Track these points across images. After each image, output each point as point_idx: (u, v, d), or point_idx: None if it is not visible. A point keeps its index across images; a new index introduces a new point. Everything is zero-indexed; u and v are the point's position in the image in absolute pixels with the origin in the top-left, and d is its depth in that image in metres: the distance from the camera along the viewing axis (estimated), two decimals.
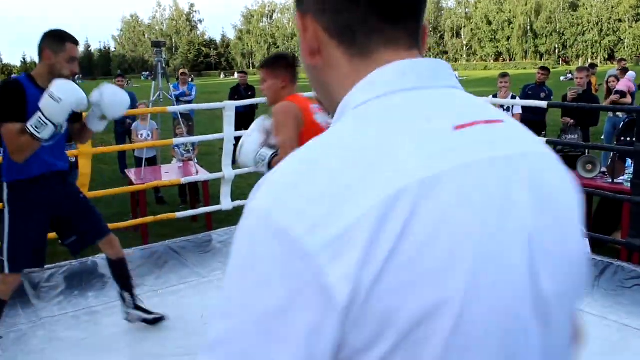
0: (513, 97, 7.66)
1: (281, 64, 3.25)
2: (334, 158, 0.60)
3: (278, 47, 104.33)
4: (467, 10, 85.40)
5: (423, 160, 0.59)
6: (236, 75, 18.85)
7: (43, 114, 2.90)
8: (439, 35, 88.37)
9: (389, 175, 0.57)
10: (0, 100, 3.03)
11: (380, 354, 0.56)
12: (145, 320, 3.75)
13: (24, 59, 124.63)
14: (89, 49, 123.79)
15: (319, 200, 0.57)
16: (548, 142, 5.89)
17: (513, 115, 7.65)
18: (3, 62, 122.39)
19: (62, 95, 2.91)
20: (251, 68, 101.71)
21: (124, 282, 3.77)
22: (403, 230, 0.55)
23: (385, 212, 0.55)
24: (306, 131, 3.02)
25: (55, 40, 3.11)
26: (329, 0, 0.69)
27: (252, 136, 3.27)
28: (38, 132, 2.89)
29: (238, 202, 6.02)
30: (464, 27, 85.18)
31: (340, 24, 0.69)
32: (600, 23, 73.43)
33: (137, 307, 3.76)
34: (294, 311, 0.55)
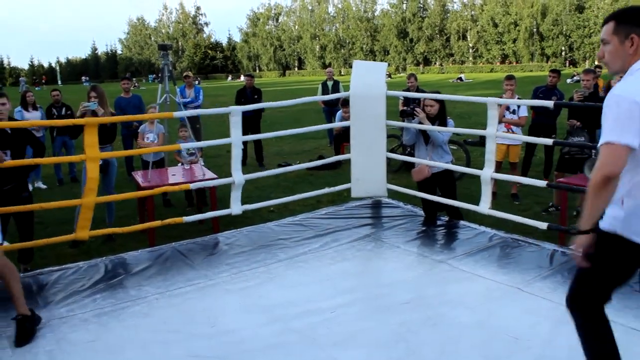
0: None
1: None
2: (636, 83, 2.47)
3: (284, 49, 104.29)
4: (473, 12, 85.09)
5: None
6: (242, 77, 18.81)
7: None
8: (445, 37, 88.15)
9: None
10: None
11: None
12: None
13: (31, 62, 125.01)
14: (96, 52, 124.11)
15: (635, 91, 2.43)
16: (555, 144, 5.87)
17: (519, 117, 7.64)
18: (12, 66, 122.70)
19: None
20: (257, 71, 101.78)
21: None
22: None
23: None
24: None
25: None
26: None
27: None
28: None
29: (246, 206, 6.04)
30: (470, 29, 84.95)
31: None
32: None
33: None
34: (633, 118, 2.40)
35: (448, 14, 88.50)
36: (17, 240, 5.36)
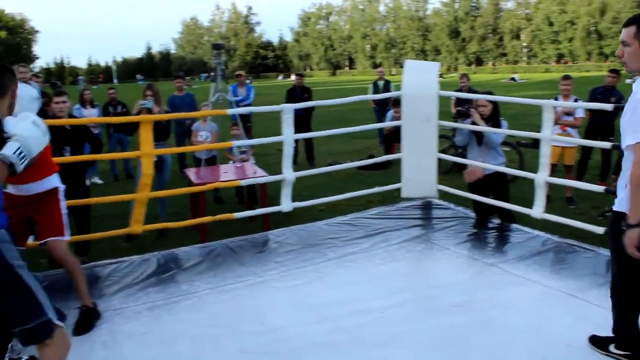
0: (575, 101, 7.43)
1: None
2: None
3: (334, 49, 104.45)
4: (527, 11, 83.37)
5: None
6: (293, 77, 18.93)
7: (25, 142, 2.63)
8: (498, 37, 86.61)
9: None
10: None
11: None
12: None
13: (89, 62, 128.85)
14: (150, 52, 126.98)
15: None
16: (614, 147, 5.69)
17: (575, 118, 7.44)
18: (71, 65, 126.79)
19: (41, 127, 2.73)
20: (308, 70, 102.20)
21: None
22: None
23: None
24: None
25: None
26: None
27: None
28: (20, 161, 2.60)
29: (296, 204, 6.07)
30: (524, 28, 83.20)
31: None
32: None
33: None
34: None
35: (501, 13, 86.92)
36: (74, 233, 5.52)
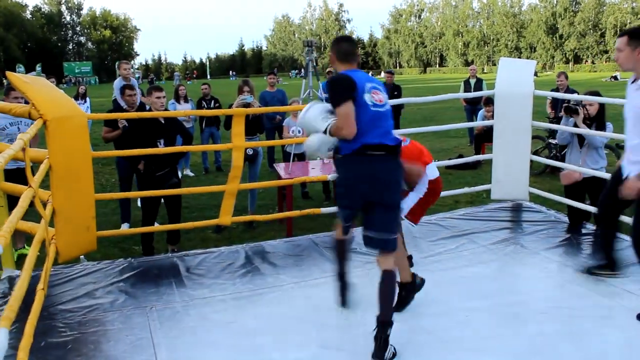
0: None
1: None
2: None
3: (425, 46, 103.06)
4: (634, 4, 78.78)
5: None
6: (382, 74, 18.82)
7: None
8: (599, 33, 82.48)
9: None
10: None
11: None
12: None
13: (185, 58, 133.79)
14: (243, 48, 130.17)
15: None
16: None
17: None
18: (167, 61, 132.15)
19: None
20: (398, 67, 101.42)
21: None
22: None
23: None
24: None
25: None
26: None
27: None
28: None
29: None
30: (630, 23, 78.73)
31: None
32: None
33: None
34: None
35: (604, 7, 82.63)
36: (166, 222, 5.75)
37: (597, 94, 5.79)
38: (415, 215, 4.50)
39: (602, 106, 5.64)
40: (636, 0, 78.43)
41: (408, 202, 4.39)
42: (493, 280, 4.64)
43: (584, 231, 5.71)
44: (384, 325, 3.39)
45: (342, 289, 4.07)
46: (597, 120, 5.59)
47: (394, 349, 3.42)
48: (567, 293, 4.33)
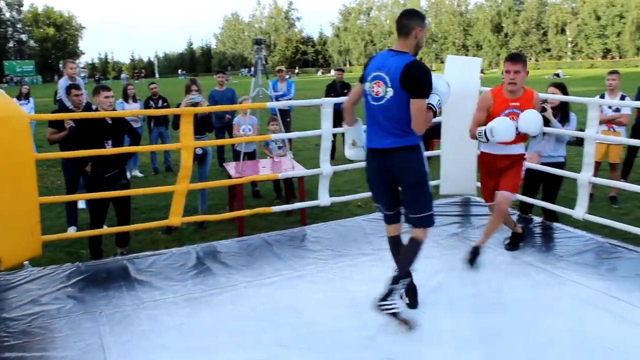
0: (623, 97, 7.22)
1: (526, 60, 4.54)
2: None
3: (375, 44, 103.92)
4: (573, 5, 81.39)
5: None
6: (332, 72, 18.86)
7: (441, 98, 3.58)
8: (542, 32, 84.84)
9: None
10: (427, 79, 3.50)
11: None
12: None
13: (132, 57, 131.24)
14: (192, 47, 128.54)
15: None
16: None
17: (621, 115, 7.23)
18: (114, 60, 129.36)
19: (449, 87, 3.68)
20: (348, 65, 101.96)
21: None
22: None
23: None
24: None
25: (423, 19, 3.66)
26: None
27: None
28: (437, 111, 3.55)
29: (334, 199, 6.07)
30: (570, 22, 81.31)
31: None
32: None
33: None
34: None
35: (546, 7, 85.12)
36: (115, 224, 5.64)
37: (562, 86, 5.93)
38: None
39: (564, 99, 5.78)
40: (576, 1, 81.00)
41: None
42: (443, 275, 4.71)
43: (530, 224, 5.86)
44: (394, 279, 3.68)
45: (410, 292, 4.09)
46: (562, 110, 5.73)
47: (398, 308, 3.63)
48: (515, 284, 4.44)
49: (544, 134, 5.82)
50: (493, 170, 4.94)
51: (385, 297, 3.63)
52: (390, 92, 3.53)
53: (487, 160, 4.98)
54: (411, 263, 3.79)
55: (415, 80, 3.44)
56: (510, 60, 4.69)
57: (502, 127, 4.52)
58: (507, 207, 4.85)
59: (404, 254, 3.80)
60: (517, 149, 4.83)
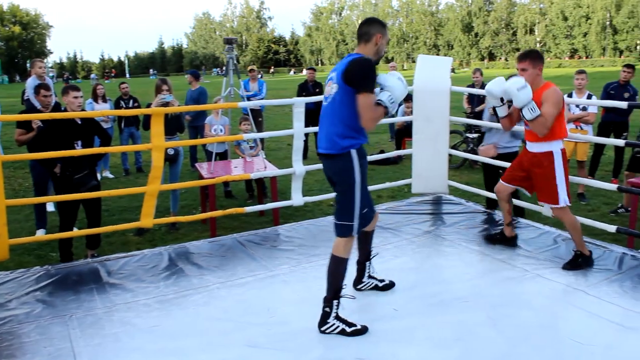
0: (589, 97, 7.36)
1: (538, 56, 4.69)
2: None
3: (347, 44, 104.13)
4: (541, 5, 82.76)
5: None
6: (304, 71, 18.85)
7: (393, 94, 3.50)
8: (511, 31, 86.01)
9: None
10: (369, 72, 3.44)
11: None
12: (377, 287, 4.37)
13: (102, 56, 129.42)
14: (163, 46, 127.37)
15: None
16: (628, 145, 5.63)
17: (588, 114, 7.37)
18: (84, 60, 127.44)
19: (404, 82, 3.57)
20: (320, 65, 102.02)
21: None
22: None
23: None
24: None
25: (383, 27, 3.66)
26: None
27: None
28: (391, 108, 3.50)
29: (307, 198, 6.07)
30: (538, 23, 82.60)
31: None
32: None
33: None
34: None
35: (515, 7, 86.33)
36: (85, 227, 5.56)
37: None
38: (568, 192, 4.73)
39: None
40: (544, 2, 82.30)
41: (563, 189, 4.66)
42: (416, 272, 4.75)
43: (500, 221, 5.93)
44: (324, 300, 3.69)
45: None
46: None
47: (343, 326, 3.65)
48: (486, 281, 4.49)
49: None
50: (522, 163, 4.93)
51: (322, 322, 3.67)
52: (334, 88, 3.53)
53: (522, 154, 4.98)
54: (336, 281, 3.71)
55: (356, 73, 3.41)
56: (517, 59, 4.83)
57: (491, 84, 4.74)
58: (562, 215, 4.73)
59: (328, 273, 3.72)
60: (543, 147, 4.69)
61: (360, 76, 3.40)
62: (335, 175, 3.67)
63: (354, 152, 3.54)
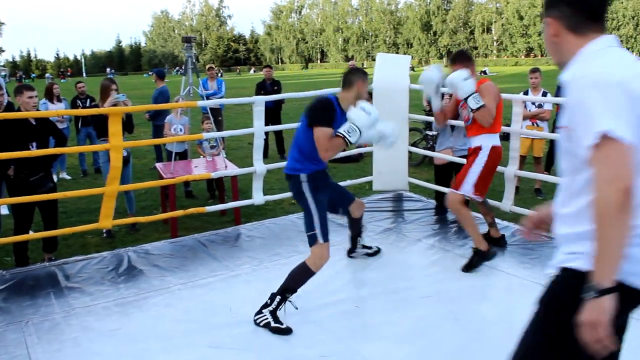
0: (544, 94, 7.52)
1: (467, 57, 4.84)
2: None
3: (307, 42, 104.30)
4: (498, 5, 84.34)
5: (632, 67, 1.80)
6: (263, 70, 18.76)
7: (354, 124, 3.66)
8: (469, 30, 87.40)
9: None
10: (324, 109, 3.81)
11: None
12: (367, 254, 5.05)
13: (57, 55, 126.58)
14: (120, 45, 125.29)
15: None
16: None
17: (543, 111, 7.53)
18: (38, 59, 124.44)
19: (372, 111, 3.69)
20: (280, 63, 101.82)
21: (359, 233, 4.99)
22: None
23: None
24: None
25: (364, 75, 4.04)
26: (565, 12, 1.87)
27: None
28: (350, 137, 3.65)
29: (268, 197, 6.06)
30: (495, 22, 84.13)
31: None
32: (636, 17, 71.85)
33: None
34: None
35: (472, 7, 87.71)
36: (42, 229, 5.44)
37: None
38: (480, 188, 4.74)
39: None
40: (500, 1, 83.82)
41: (469, 180, 4.71)
42: (378, 269, 4.79)
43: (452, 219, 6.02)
44: (271, 294, 3.83)
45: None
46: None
47: (271, 320, 3.73)
48: (447, 276, 4.56)
49: (452, 128, 6.04)
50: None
51: (258, 312, 3.81)
52: (302, 121, 3.90)
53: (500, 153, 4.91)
54: (293, 284, 3.83)
55: (312, 109, 3.83)
56: (449, 63, 5.00)
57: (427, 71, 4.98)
58: (452, 204, 4.82)
59: (290, 273, 3.86)
60: (473, 142, 4.89)
61: (314, 112, 3.82)
62: (293, 194, 4.07)
63: (303, 176, 3.91)
